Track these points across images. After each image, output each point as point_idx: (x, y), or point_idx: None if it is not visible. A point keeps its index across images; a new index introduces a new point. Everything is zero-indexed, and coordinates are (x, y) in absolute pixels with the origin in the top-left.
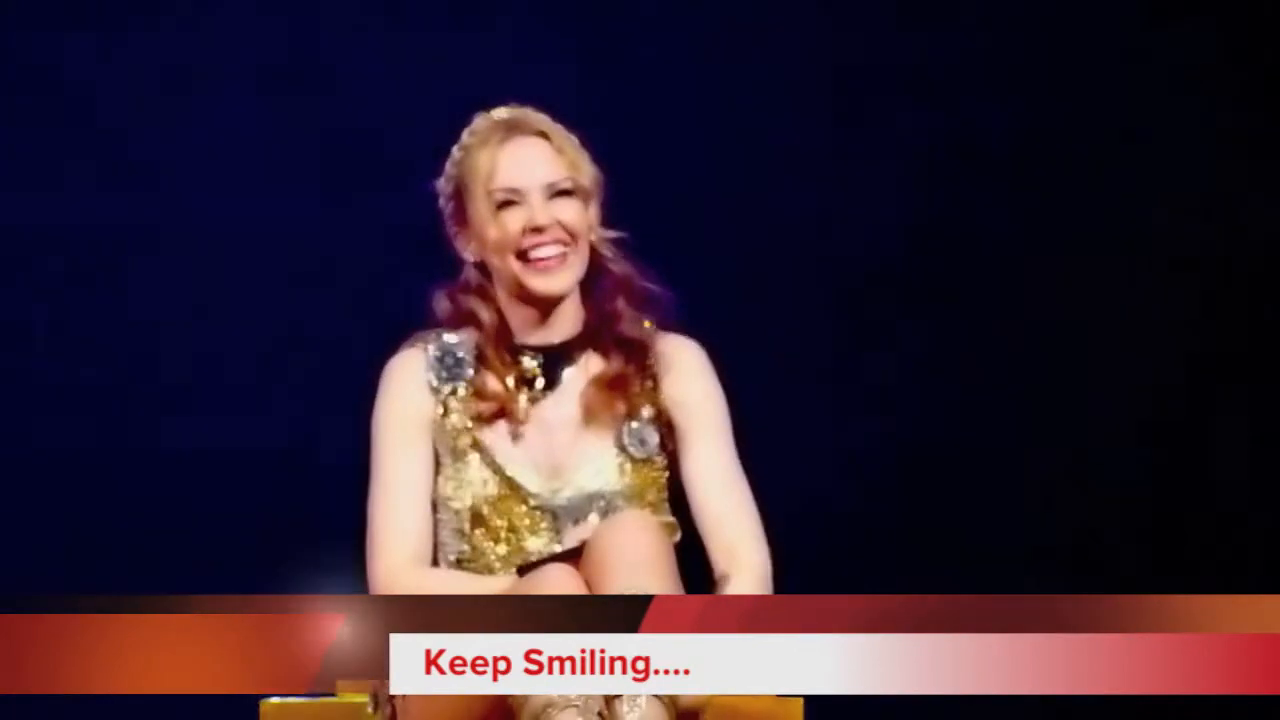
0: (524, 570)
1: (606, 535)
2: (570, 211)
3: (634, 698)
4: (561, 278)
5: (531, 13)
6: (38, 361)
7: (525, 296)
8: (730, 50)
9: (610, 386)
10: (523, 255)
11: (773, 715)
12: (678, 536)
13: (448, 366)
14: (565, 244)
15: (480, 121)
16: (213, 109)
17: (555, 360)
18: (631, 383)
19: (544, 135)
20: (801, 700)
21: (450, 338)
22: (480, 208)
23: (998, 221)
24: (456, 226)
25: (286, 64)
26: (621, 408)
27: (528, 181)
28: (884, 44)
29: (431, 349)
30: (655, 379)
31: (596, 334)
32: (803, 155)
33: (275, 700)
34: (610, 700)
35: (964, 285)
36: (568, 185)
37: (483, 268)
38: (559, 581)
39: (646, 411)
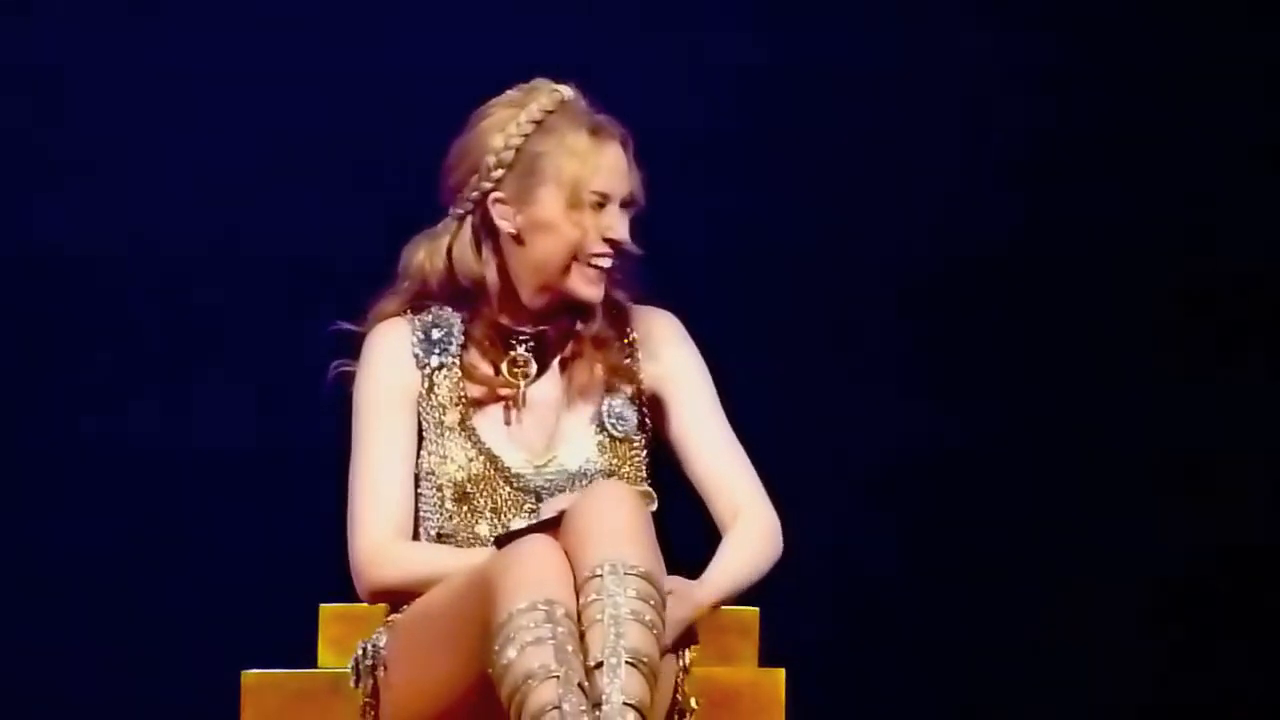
0: (502, 541)
1: (586, 505)
2: (628, 226)
3: (615, 668)
4: (603, 290)
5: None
6: (34, 360)
7: (553, 288)
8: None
9: (594, 344)
10: (584, 259)
11: (755, 685)
12: (654, 506)
13: (434, 341)
14: (618, 258)
15: (547, 96)
16: (213, 106)
17: (544, 343)
18: (613, 344)
19: (624, 144)
20: (783, 671)
21: (437, 311)
22: (563, 200)
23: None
24: (507, 195)
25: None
26: (601, 371)
27: (616, 190)
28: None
29: (417, 321)
30: (634, 355)
31: (585, 320)
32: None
33: (256, 671)
34: (591, 671)
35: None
36: (632, 200)
37: (496, 235)
38: (540, 553)
39: (626, 389)
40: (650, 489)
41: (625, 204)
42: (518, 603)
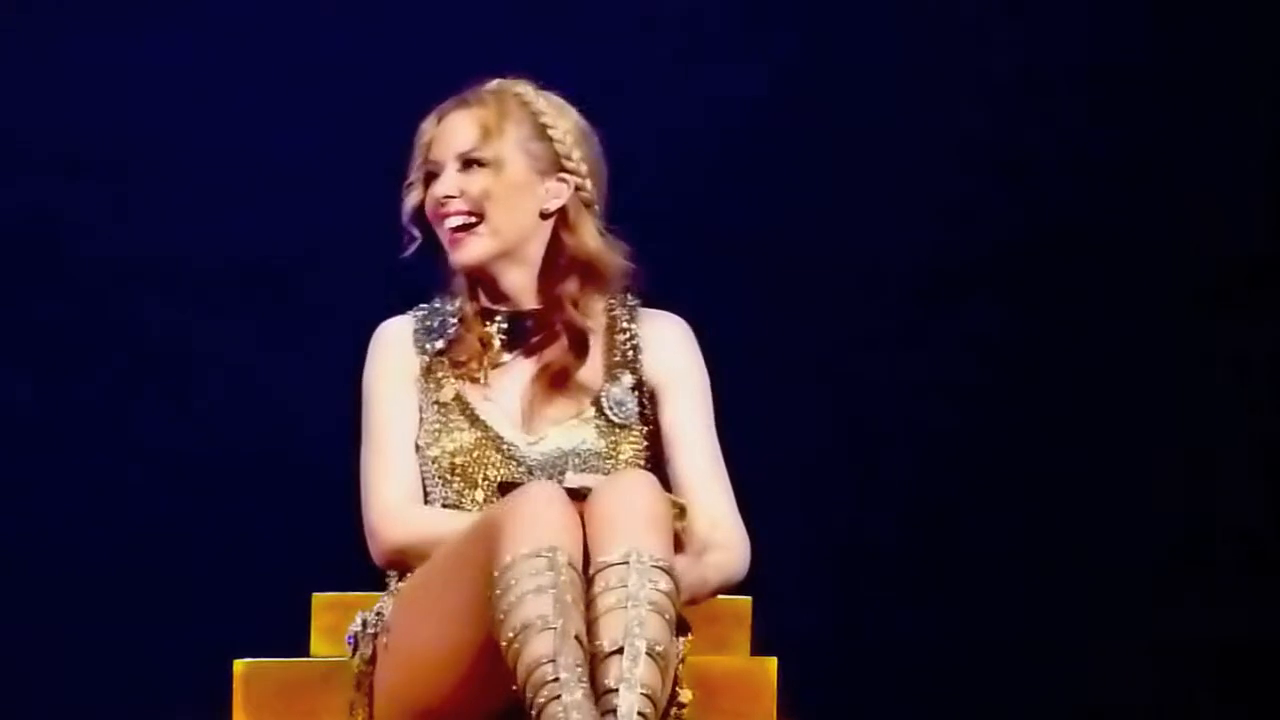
0: (507, 488)
1: (615, 491)
2: (478, 183)
3: (635, 656)
4: (468, 250)
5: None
6: (36, 357)
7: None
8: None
9: (553, 383)
10: (439, 226)
11: (747, 673)
12: (682, 523)
13: (432, 327)
14: (472, 215)
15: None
16: (217, 102)
17: (519, 324)
18: (573, 378)
19: (481, 104)
20: (775, 660)
21: (438, 302)
22: (415, 176)
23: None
24: None
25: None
26: (571, 404)
27: (444, 153)
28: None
29: (421, 310)
30: (637, 349)
31: (548, 314)
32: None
33: (248, 660)
34: (604, 657)
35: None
36: (478, 155)
37: None
38: (545, 498)
39: (627, 379)
40: (685, 503)
41: (473, 162)
42: (520, 548)
